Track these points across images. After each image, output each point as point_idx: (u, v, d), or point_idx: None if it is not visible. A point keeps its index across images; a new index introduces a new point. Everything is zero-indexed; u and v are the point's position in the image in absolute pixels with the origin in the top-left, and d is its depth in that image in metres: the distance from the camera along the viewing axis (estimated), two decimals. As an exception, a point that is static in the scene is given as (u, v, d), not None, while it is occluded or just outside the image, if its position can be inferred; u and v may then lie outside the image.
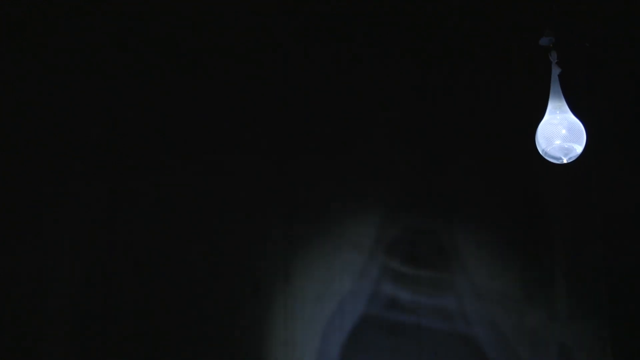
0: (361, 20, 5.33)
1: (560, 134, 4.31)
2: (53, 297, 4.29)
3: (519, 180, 5.15)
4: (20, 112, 4.50)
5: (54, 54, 4.59)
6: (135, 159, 4.54)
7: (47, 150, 4.47)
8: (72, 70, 4.63)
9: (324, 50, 5.09)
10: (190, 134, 4.64)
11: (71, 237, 4.39)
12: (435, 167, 4.95)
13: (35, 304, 4.24)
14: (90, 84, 4.68)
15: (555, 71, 4.38)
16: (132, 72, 4.77)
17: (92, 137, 4.61)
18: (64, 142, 4.53)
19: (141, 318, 4.34)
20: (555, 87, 4.39)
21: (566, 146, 4.32)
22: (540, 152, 4.37)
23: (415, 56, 5.28)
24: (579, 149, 4.33)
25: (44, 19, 4.58)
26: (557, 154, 4.34)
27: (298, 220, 4.59)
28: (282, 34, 5.05)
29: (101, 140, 4.62)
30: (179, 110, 4.72)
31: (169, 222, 4.45)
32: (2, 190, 4.33)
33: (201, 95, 4.78)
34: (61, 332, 4.26)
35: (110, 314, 4.33)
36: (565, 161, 4.35)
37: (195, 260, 4.43)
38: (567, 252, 5.13)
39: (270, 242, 4.51)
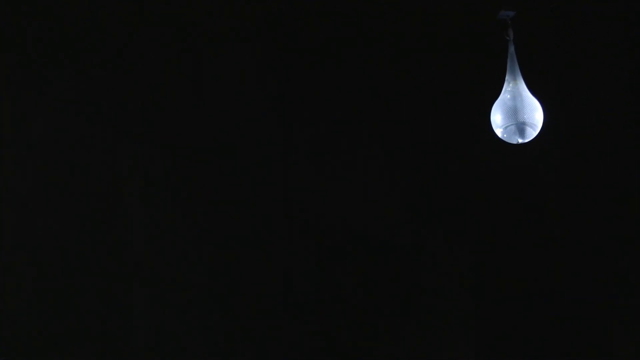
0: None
1: (517, 114, 4.23)
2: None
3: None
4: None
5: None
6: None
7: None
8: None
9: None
10: None
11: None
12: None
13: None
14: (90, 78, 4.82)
15: (512, 49, 4.29)
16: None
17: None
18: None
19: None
20: (512, 65, 4.30)
21: (522, 127, 4.23)
22: (496, 131, 4.28)
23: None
24: (536, 128, 4.25)
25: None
26: (515, 135, 4.26)
27: None
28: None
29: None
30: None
31: None
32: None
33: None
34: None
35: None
36: (519, 141, 4.27)
37: None
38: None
39: None
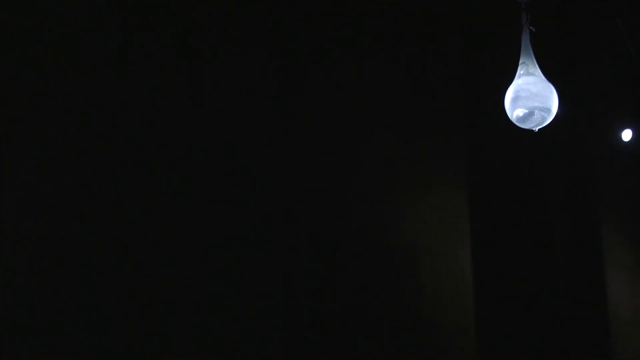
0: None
1: (531, 100, 4.04)
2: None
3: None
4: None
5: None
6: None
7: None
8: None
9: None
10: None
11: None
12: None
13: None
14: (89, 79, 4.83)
15: (527, 33, 4.13)
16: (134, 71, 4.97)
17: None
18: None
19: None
20: (526, 49, 4.14)
21: (538, 113, 4.06)
22: (510, 116, 4.12)
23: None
24: (551, 115, 4.08)
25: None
26: (530, 121, 4.09)
27: None
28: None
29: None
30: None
31: None
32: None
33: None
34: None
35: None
36: (536, 130, 4.12)
37: None
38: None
39: None
